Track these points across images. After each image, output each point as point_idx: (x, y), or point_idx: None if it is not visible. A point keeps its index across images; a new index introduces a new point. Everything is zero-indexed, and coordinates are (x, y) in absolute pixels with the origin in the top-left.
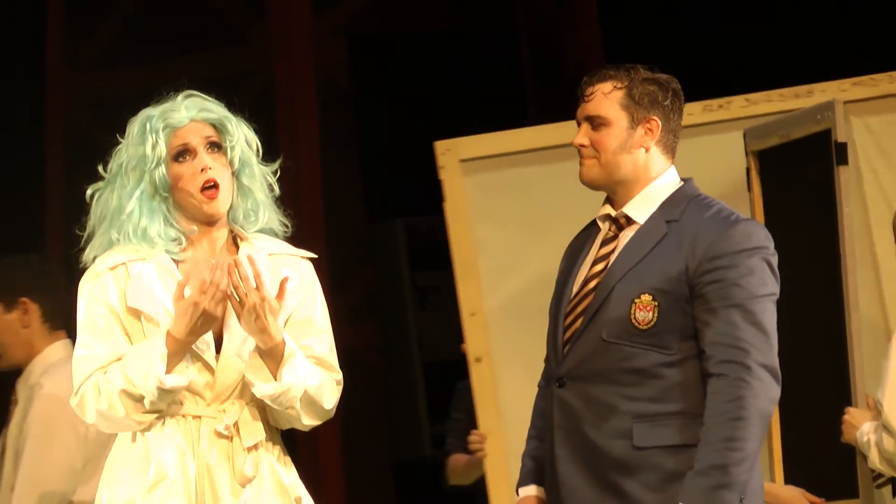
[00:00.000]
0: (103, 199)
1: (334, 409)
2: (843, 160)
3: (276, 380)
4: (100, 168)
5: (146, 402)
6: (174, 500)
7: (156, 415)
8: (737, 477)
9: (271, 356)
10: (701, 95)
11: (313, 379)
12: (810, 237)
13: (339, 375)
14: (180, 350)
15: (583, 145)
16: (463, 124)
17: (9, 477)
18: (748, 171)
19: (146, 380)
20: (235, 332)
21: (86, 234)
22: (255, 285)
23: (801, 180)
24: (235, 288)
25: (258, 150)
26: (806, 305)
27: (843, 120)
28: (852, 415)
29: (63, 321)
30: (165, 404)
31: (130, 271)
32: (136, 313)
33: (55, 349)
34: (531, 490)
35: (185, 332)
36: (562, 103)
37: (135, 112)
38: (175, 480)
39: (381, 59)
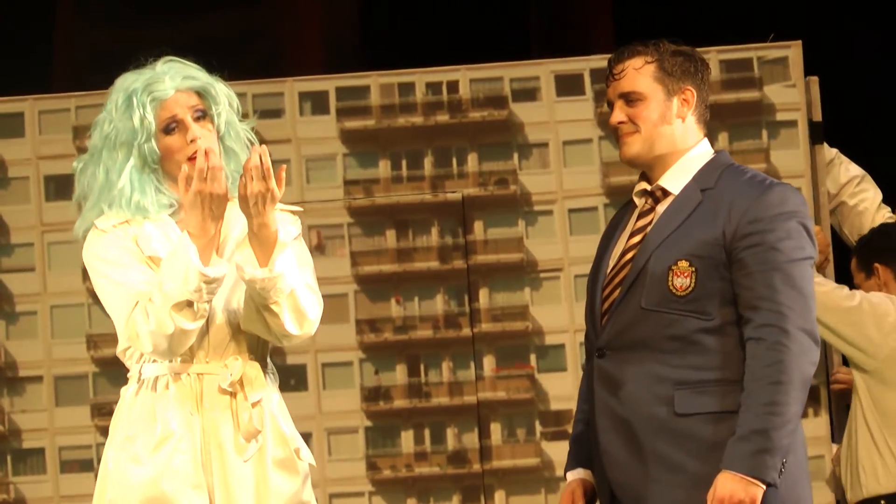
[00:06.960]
0: (89, 172)
1: (314, 326)
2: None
3: (267, 267)
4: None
5: (195, 306)
6: (180, 457)
7: (203, 320)
8: (778, 441)
9: (263, 246)
10: None
11: (300, 282)
12: None
13: (321, 300)
14: (206, 242)
15: (622, 122)
16: None
17: None
18: None
19: (187, 281)
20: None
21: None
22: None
23: None
24: (247, 171)
25: (238, 110)
26: None
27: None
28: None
29: None
30: (210, 301)
31: (133, 228)
32: (155, 261)
33: None
34: (578, 473)
35: (201, 220)
36: None
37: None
38: (181, 438)
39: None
